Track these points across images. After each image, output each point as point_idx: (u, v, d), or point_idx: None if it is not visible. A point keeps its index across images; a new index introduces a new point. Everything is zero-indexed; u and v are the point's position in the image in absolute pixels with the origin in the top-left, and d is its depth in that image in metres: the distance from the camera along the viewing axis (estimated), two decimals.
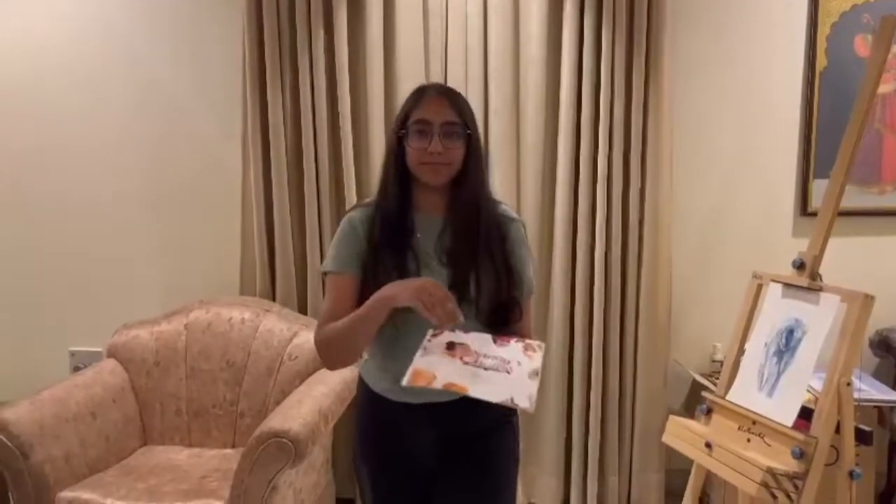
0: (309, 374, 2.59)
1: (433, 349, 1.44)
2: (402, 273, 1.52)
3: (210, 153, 3.02)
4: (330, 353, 1.57)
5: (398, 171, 1.59)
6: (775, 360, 2.25)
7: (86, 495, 2.21)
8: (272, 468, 2.12)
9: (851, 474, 2.10)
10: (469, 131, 1.58)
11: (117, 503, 2.18)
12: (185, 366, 2.67)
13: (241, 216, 2.93)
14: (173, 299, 2.92)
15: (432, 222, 1.60)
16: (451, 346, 1.45)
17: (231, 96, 2.92)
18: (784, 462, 2.07)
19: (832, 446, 2.12)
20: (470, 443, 1.63)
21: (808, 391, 2.17)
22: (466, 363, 1.42)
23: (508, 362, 1.43)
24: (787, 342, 2.23)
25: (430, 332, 1.46)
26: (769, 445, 2.15)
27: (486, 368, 1.41)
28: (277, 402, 2.52)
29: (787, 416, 2.11)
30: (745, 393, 2.29)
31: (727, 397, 2.34)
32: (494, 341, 1.49)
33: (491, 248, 1.59)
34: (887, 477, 2.84)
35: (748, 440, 2.21)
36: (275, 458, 2.11)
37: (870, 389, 2.65)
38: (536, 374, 1.41)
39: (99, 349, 2.89)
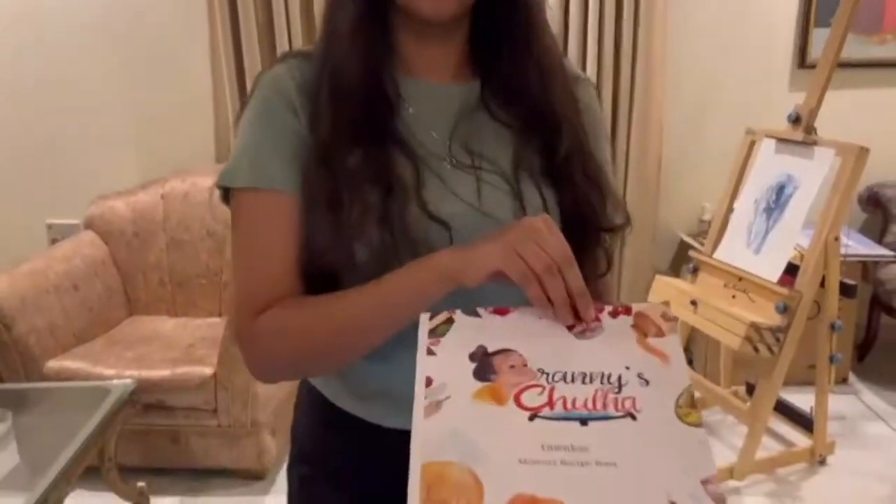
0: None
1: (447, 375, 0.65)
2: (384, 190, 0.75)
3: (179, 20, 2.83)
4: (292, 356, 0.78)
5: None
6: (764, 216, 2.22)
7: (74, 365, 2.22)
8: None
9: (833, 326, 2.13)
10: None
11: (106, 371, 2.19)
12: (165, 236, 2.62)
13: (211, 84, 2.80)
14: (149, 170, 2.83)
15: (438, 93, 0.83)
16: (483, 365, 0.66)
17: None
18: (768, 317, 2.09)
19: (815, 301, 2.14)
20: None
21: (794, 248, 2.16)
22: (534, 412, 0.63)
23: (619, 381, 0.65)
24: (778, 198, 2.19)
25: (426, 318, 0.69)
26: (754, 301, 2.16)
27: (582, 421, 0.62)
28: None
29: (773, 272, 2.11)
30: (732, 250, 2.29)
31: (714, 255, 2.33)
32: (570, 325, 0.68)
33: (561, 139, 0.82)
34: (866, 329, 2.90)
35: (733, 297, 2.22)
36: None
37: (856, 245, 2.65)
38: (692, 403, 0.64)
39: (76, 221, 2.83)
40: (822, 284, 2.13)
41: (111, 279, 2.59)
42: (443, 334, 0.68)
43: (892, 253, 2.68)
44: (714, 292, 2.26)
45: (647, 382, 0.65)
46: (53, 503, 1.61)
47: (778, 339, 2.06)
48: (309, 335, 0.76)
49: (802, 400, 2.33)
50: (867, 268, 2.74)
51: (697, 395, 2.55)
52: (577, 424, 0.62)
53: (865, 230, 2.92)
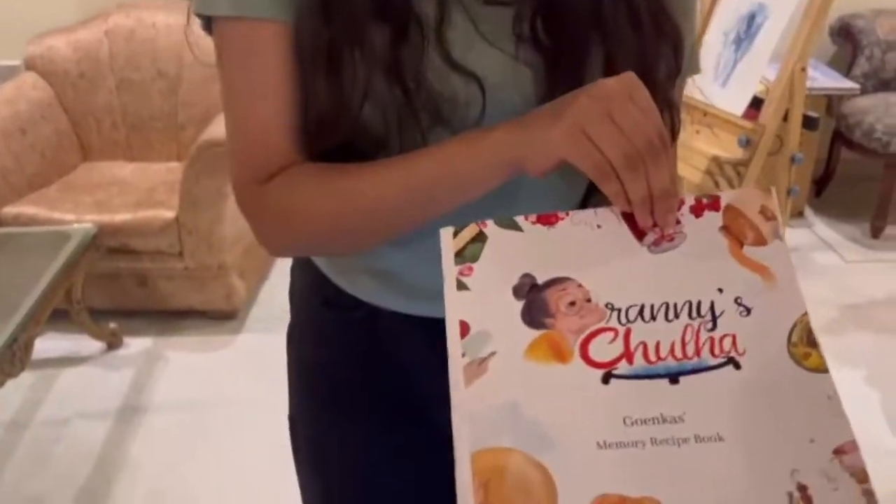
0: None
1: (487, 319, 0.50)
2: (395, 30, 0.58)
3: None
4: (307, 237, 0.65)
5: None
6: (733, 48, 2.17)
7: (31, 210, 2.18)
8: (219, 177, 2.08)
9: (793, 159, 2.15)
10: None
11: (66, 216, 2.16)
12: (113, 77, 2.50)
13: None
14: (88, 3, 2.64)
15: None
16: (533, 303, 0.50)
17: None
18: (730, 151, 2.10)
19: (777, 135, 2.15)
20: None
21: (761, 82, 2.13)
22: (608, 371, 0.48)
23: (711, 312, 0.49)
24: (748, 28, 2.14)
25: (448, 235, 0.53)
26: (717, 136, 2.16)
27: (672, 378, 0.48)
28: (220, 111, 2.41)
29: (738, 105, 2.10)
30: (699, 85, 2.25)
31: None
32: (639, 233, 0.52)
33: None
34: (826, 164, 2.94)
35: (697, 132, 2.21)
36: (221, 168, 2.06)
37: (823, 77, 2.63)
38: (811, 339, 0.49)
39: (16, 62, 2.67)
40: (785, 118, 2.13)
41: (60, 123, 2.49)
42: (474, 258, 0.51)
43: (856, 86, 2.67)
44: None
45: (748, 311, 0.49)
46: (23, 343, 1.64)
47: (739, 174, 2.09)
48: (328, 215, 0.61)
49: None
50: (831, 101, 2.73)
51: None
52: (664, 383, 0.47)
53: (833, 64, 2.89)
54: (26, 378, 2.00)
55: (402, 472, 0.73)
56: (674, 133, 0.65)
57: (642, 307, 0.49)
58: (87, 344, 2.18)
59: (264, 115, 0.61)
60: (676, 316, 0.49)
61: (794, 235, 2.66)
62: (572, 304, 0.50)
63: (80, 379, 2.08)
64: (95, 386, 2.05)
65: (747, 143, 2.06)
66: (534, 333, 0.49)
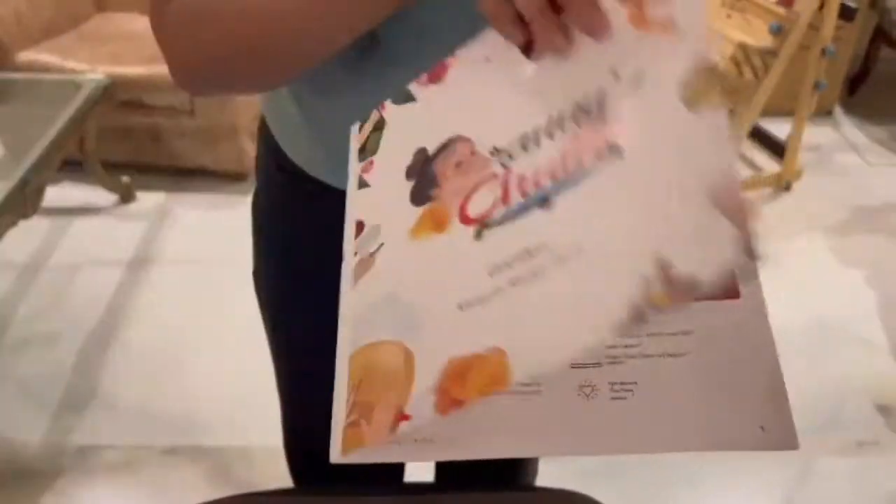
0: None
1: (381, 212, 0.46)
2: None
3: None
4: (205, 57, 0.58)
5: None
6: None
7: (46, 57, 2.17)
8: None
9: (824, 51, 2.07)
10: None
11: (80, 65, 2.15)
12: None
13: None
14: None
15: None
16: (422, 179, 0.45)
17: None
18: (759, 38, 2.01)
19: (812, 27, 2.05)
20: None
21: None
22: (482, 223, 0.41)
23: (597, 101, 0.39)
24: None
25: (355, 131, 0.50)
26: (748, 22, 2.07)
27: (545, 202, 0.39)
28: None
29: None
30: None
31: None
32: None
33: None
34: (863, 61, 2.81)
35: (728, 16, 2.12)
36: None
37: None
38: (711, 78, 0.35)
39: None
40: (822, 7, 2.02)
41: None
42: (375, 150, 0.46)
43: None
44: (709, 10, 2.16)
45: (640, 82, 0.38)
46: (35, 187, 1.68)
47: (766, 63, 2.01)
48: (221, 27, 0.54)
49: (782, 130, 2.33)
50: None
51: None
52: (537, 213, 0.39)
53: None
54: (42, 224, 2.07)
55: None
56: None
57: (525, 135, 0.41)
58: (102, 195, 2.22)
59: None
60: (560, 126, 0.40)
61: (819, 135, 2.58)
62: (459, 164, 0.43)
63: (94, 228, 2.14)
64: (108, 236, 2.11)
65: (779, 31, 1.97)
66: (419, 211, 0.43)
